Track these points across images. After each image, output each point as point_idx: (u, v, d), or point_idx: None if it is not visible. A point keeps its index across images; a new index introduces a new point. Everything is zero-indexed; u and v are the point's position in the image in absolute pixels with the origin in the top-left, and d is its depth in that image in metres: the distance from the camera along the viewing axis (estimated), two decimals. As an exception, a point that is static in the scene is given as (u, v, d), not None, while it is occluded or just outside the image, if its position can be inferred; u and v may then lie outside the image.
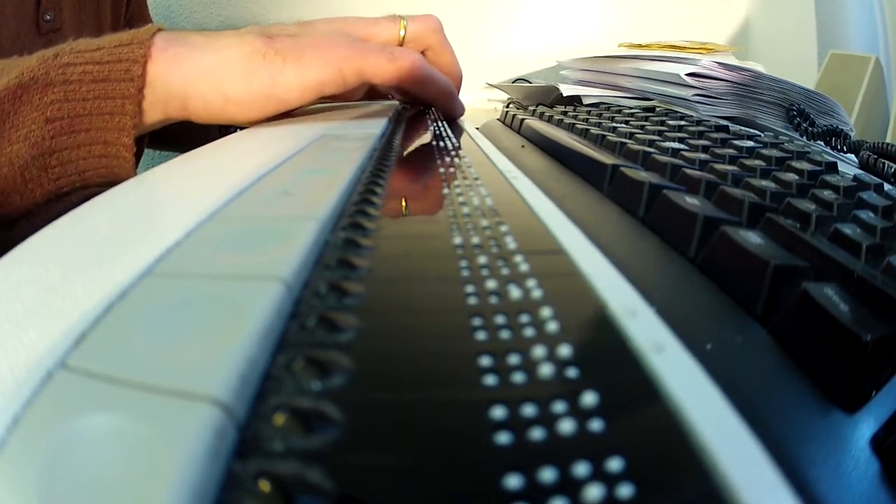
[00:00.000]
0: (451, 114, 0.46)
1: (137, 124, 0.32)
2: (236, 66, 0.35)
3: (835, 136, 0.48)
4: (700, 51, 0.66)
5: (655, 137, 0.36)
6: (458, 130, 0.38)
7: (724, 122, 0.47)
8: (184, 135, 0.47)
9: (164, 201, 0.20)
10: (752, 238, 0.17)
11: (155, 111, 0.33)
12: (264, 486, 0.08)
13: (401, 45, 0.45)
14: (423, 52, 0.46)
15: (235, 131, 0.37)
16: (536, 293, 0.13)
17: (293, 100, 0.37)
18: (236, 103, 0.35)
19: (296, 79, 0.36)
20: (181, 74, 0.33)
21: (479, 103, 0.81)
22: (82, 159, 0.30)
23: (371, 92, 0.55)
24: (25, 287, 0.13)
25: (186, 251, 0.14)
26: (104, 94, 0.30)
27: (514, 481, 0.08)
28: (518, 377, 0.10)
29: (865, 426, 0.12)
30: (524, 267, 0.14)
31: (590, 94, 0.63)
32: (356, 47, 0.38)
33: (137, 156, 0.33)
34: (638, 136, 0.37)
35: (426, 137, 0.34)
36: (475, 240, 0.16)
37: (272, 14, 1.01)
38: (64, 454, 0.08)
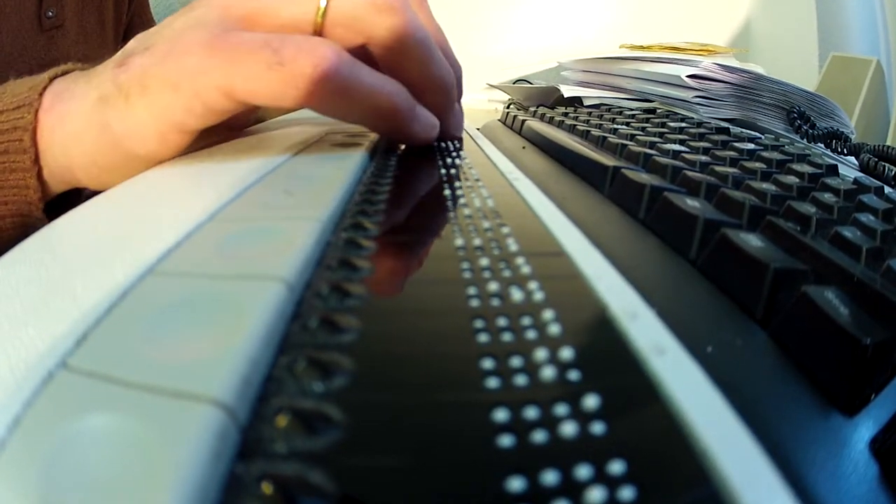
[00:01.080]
0: (410, 140, 0.28)
1: (43, 196, 0.27)
2: (90, 124, 0.25)
3: (835, 139, 0.48)
4: (701, 52, 0.66)
5: (656, 139, 0.36)
6: None
7: (725, 124, 0.47)
8: None
9: (165, 201, 0.20)
10: (752, 241, 0.17)
11: (55, 182, 0.27)
12: (266, 487, 0.08)
13: (318, 32, 0.26)
14: (364, 45, 0.27)
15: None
16: (538, 295, 0.13)
17: (155, 151, 0.25)
18: (108, 170, 0.26)
19: (145, 122, 0.24)
20: (60, 141, 0.26)
21: (480, 104, 0.81)
22: (10, 228, 0.28)
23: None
24: (25, 286, 0.13)
25: (187, 251, 0.14)
26: (9, 167, 0.26)
27: (516, 484, 0.08)
28: (520, 380, 0.10)
29: (864, 429, 0.12)
30: (526, 269, 0.14)
31: (591, 95, 0.63)
32: (221, 50, 0.23)
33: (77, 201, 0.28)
34: (639, 137, 0.37)
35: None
36: (477, 241, 0.16)
37: None
38: (65, 455, 0.08)
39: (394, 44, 0.26)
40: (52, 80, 0.27)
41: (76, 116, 0.26)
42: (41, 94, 0.26)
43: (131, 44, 0.27)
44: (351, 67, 0.24)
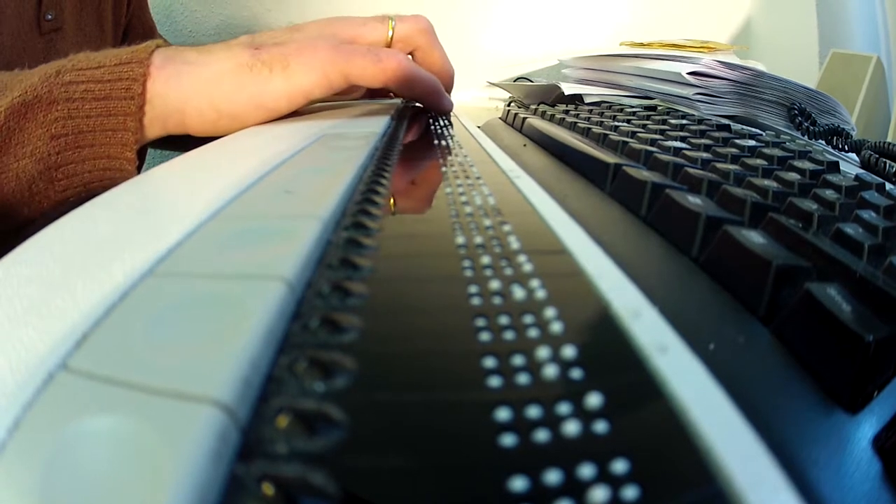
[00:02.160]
0: (439, 110, 0.47)
1: (139, 139, 0.33)
2: (226, 81, 0.36)
3: (836, 136, 0.48)
4: (702, 49, 0.66)
5: (657, 136, 0.36)
6: (459, 129, 0.38)
7: (726, 121, 0.47)
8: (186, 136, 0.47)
9: (165, 200, 0.20)
10: (754, 238, 0.17)
11: (154, 127, 0.34)
12: (267, 488, 0.08)
13: (389, 45, 0.46)
14: (411, 53, 0.48)
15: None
16: (540, 293, 0.13)
17: (282, 108, 0.38)
18: (229, 116, 0.36)
19: (283, 87, 0.37)
20: (178, 92, 0.34)
21: (481, 102, 0.81)
22: (87, 172, 0.32)
23: (373, 91, 0.55)
24: (26, 287, 0.13)
25: (187, 251, 0.14)
26: (106, 112, 0.32)
27: (519, 483, 0.08)
28: (522, 378, 0.10)
29: (867, 426, 0.12)
30: (527, 267, 0.14)
31: (591, 92, 0.63)
32: (341, 51, 0.39)
33: (140, 164, 0.35)
34: (640, 135, 0.37)
35: (428, 136, 0.34)
36: (478, 239, 0.16)
37: (272, 13, 1.01)
38: (65, 456, 0.08)
39: (428, 51, 0.48)
40: (157, 47, 0.35)
41: (207, 74, 0.35)
42: (151, 55, 0.34)
43: (252, 39, 0.41)
44: (413, 65, 0.42)
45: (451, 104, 0.48)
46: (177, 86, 0.34)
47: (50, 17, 0.53)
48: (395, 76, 0.40)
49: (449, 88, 0.50)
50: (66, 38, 0.55)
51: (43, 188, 0.31)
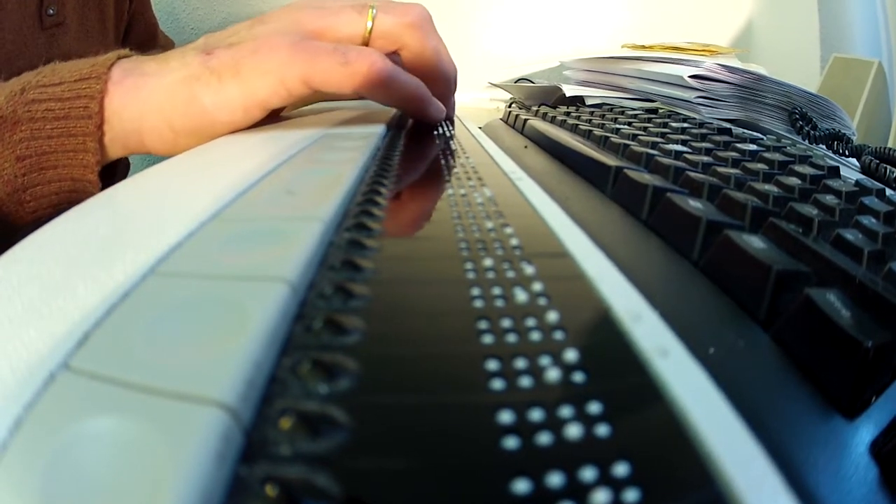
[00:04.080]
0: (426, 119, 0.39)
1: (100, 160, 0.31)
2: (178, 95, 0.32)
3: (837, 140, 0.48)
4: (703, 53, 0.66)
5: (658, 139, 0.36)
6: (461, 130, 0.38)
7: (727, 125, 0.47)
8: None
9: (166, 200, 0.20)
10: (755, 242, 0.17)
11: (115, 147, 0.32)
12: (271, 490, 0.08)
13: (366, 42, 0.37)
14: (397, 52, 0.39)
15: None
16: (542, 297, 0.13)
17: (238, 121, 0.33)
18: (185, 134, 0.33)
19: (236, 97, 0.33)
20: (134, 109, 0.32)
21: (482, 103, 0.81)
22: (53, 194, 0.31)
23: None
24: (26, 286, 0.13)
25: (189, 251, 0.14)
26: (67, 132, 0.30)
27: (521, 486, 0.08)
28: (525, 381, 0.10)
29: (865, 432, 0.12)
30: (529, 270, 0.14)
31: (592, 94, 0.63)
32: (301, 50, 0.33)
33: (120, 177, 0.34)
34: (641, 137, 0.37)
35: (429, 136, 0.34)
36: (480, 242, 0.16)
37: (274, 8, 1.01)
38: (67, 457, 0.08)
39: (417, 51, 0.39)
40: (119, 58, 0.33)
41: (159, 88, 0.32)
42: (109, 69, 0.31)
43: (205, 40, 0.35)
44: (391, 68, 0.34)
45: (442, 111, 0.40)
46: (133, 102, 0.31)
47: (52, 12, 0.53)
48: (366, 81, 0.34)
49: (449, 92, 0.42)
50: (68, 34, 0.55)
51: (14, 210, 0.30)
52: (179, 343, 0.10)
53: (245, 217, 0.17)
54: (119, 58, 0.33)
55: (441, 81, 0.40)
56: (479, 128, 0.44)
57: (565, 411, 0.09)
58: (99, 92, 0.31)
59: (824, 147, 0.49)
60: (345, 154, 0.25)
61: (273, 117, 0.38)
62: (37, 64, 0.33)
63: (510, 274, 0.14)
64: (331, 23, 0.36)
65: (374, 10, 0.37)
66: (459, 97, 0.46)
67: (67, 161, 0.30)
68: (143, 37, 0.70)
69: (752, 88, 0.55)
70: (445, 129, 0.37)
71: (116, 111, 0.31)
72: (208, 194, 0.19)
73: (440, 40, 0.40)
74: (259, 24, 0.36)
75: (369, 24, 0.37)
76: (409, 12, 0.38)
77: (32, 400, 0.09)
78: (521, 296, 0.13)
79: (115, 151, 0.32)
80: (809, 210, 0.23)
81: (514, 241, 0.16)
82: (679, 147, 0.34)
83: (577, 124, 0.42)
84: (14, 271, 0.14)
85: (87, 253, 0.15)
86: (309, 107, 0.48)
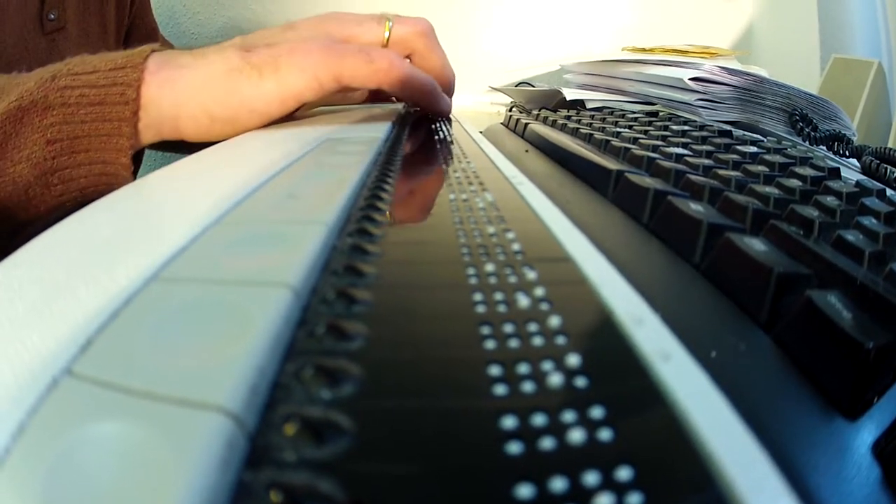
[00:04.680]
0: (436, 111, 0.46)
1: (134, 145, 0.33)
2: (218, 86, 0.35)
3: (837, 141, 0.48)
4: (703, 55, 0.66)
5: (659, 142, 0.36)
6: (462, 134, 0.38)
7: (728, 127, 0.47)
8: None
9: (168, 205, 0.20)
10: (756, 245, 0.17)
11: (149, 132, 0.34)
12: (275, 496, 0.08)
13: (385, 47, 0.44)
14: (408, 56, 0.46)
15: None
16: (544, 301, 0.13)
17: (274, 111, 0.37)
18: (222, 121, 0.36)
19: (274, 90, 0.36)
20: (172, 97, 0.34)
21: (483, 106, 0.81)
22: (83, 177, 0.32)
23: (374, 93, 0.55)
24: (28, 290, 0.13)
25: (192, 256, 0.14)
26: (101, 117, 0.31)
27: (524, 491, 0.08)
28: (527, 386, 0.10)
29: (867, 432, 0.13)
30: (531, 275, 0.14)
31: (593, 98, 0.63)
32: (333, 51, 0.38)
33: (136, 167, 0.34)
34: (642, 141, 0.37)
35: (430, 141, 0.34)
36: (482, 247, 0.16)
37: (275, 15, 1.01)
38: (70, 462, 0.08)
39: (427, 55, 0.47)
40: (153, 51, 0.34)
41: (198, 79, 0.35)
42: (146, 59, 0.33)
43: (245, 41, 0.41)
44: (408, 65, 0.40)
45: (449, 106, 0.47)
46: (171, 91, 0.34)
47: (52, 16, 0.53)
48: (388, 77, 0.39)
49: (449, 93, 0.49)
50: (69, 38, 0.55)
51: (39, 193, 0.31)
52: (182, 348, 0.10)
53: (248, 221, 0.17)
54: (153, 51, 0.34)
55: (445, 82, 0.47)
56: (480, 132, 0.44)
57: (568, 416, 0.09)
58: (136, 80, 0.32)
59: (825, 148, 0.49)
60: (347, 158, 0.25)
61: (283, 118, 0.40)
62: (37, 68, 0.33)
63: (512, 279, 0.14)
64: (354, 31, 0.43)
65: (391, 22, 0.44)
66: (460, 101, 0.52)
67: (101, 145, 0.31)
68: (144, 41, 0.69)
69: (752, 90, 0.55)
70: (446, 132, 0.39)
71: (153, 99, 0.33)
72: (211, 198, 0.19)
73: (442, 48, 0.48)
74: (290, 31, 0.42)
75: (387, 34, 0.44)
76: (418, 24, 0.46)
77: (35, 405, 0.09)
78: (522, 301, 0.13)
79: (148, 137, 0.34)
80: (810, 212, 0.23)
81: (515, 246, 0.16)
82: (680, 150, 0.34)
83: (577, 128, 0.42)
84: (17, 275, 0.14)
85: (91, 257, 0.15)
86: (312, 111, 0.48)
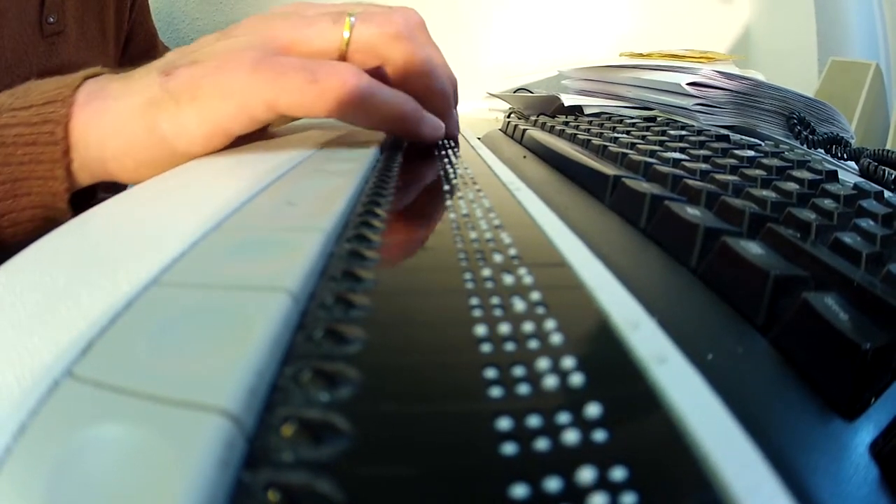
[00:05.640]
0: (420, 139, 0.33)
1: (69, 188, 0.29)
2: (136, 123, 0.28)
3: (835, 144, 0.48)
4: (701, 59, 0.67)
5: (657, 148, 0.36)
6: (460, 140, 0.38)
7: (725, 132, 0.47)
8: None
9: (169, 211, 0.20)
10: (752, 248, 0.17)
11: (84, 174, 0.29)
12: (273, 496, 0.08)
13: (343, 57, 0.31)
14: (380, 67, 0.33)
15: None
16: (540, 306, 0.13)
17: (198, 150, 0.29)
18: (145, 165, 0.29)
19: (193, 124, 0.28)
20: (97, 136, 0.28)
21: (481, 113, 0.81)
22: (28, 221, 0.29)
23: None
24: (30, 295, 0.13)
25: (192, 261, 0.14)
26: (35, 159, 0.28)
27: (519, 491, 0.08)
28: (523, 389, 0.10)
29: (865, 433, 0.13)
30: (528, 279, 0.14)
31: (591, 103, 0.63)
32: (264, 69, 0.28)
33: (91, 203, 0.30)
34: (639, 146, 0.37)
35: (429, 148, 0.34)
36: (479, 252, 0.16)
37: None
38: (71, 464, 0.08)
39: (403, 65, 0.32)
40: (85, 79, 0.29)
41: (118, 114, 0.28)
42: (75, 91, 0.28)
43: (172, 56, 0.31)
44: (368, 84, 0.29)
45: (438, 129, 0.34)
46: (96, 128, 0.28)
47: (52, 20, 0.53)
48: (338, 101, 0.29)
49: (445, 107, 0.35)
50: (68, 42, 0.55)
51: None
52: (183, 352, 0.10)
53: (247, 227, 0.17)
54: (86, 78, 0.30)
55: (436, 96, 0.34)
56: (478, 138, 0.44)
57: (563, 418, 0.09)
58: (64, 117, 0.28)
59: (823, 151, 0.49)
60: (345, 165, 0.25)
61: (262, 132, 0.34)
62: (37, 72, 0.32)
63: (509, 283, 0.14)
64: (303, 35, 0.31)
65: (353, 19, 0.31)
66: (459, 108, 0.40)
67: (38, 188, 0.28)
68: (143, 46, 0.70)
69: (749, 94, 0.55)
70: (445, 142, 0.36)
71: (81, 137, 0.28)
72: (210, 205, 0.19)
73: (434, 49, 0.35)
74: (225, 38, 0.31)
75: (346, 35, 0.31)
76: (392, 20, 0.32)
77: (36, 407, 0.09)
78: (519, 305, 0.13)
79: (83, 178, 0.29)
80: (808, 215, 0.23)
81: (512, 251, 0.16)
82: (677, 155, 0.34)
83: (575, 134, 0.43)
84: (18, 279, 0.14)
85: (91, 262, 0.15)
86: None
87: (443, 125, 0.34)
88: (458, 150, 0.33)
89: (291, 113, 0.29)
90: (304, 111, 0.29)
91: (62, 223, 0.18)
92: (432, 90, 0.34)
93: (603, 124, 0.50)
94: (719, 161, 0.33)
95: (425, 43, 0.34)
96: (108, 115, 0.28)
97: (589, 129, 0.46)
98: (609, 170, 0.28)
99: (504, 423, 0.09)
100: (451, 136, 0.37)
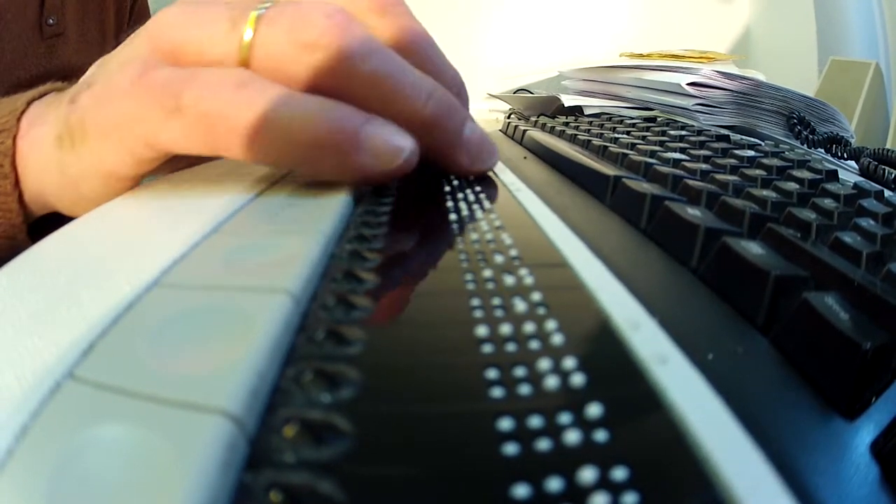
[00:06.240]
0: (366, 178, 0.21)
1: (26, 219, 0.26)
2: (52, 163, 0.24)
3: (835, 144, 0.48)
4: (701, 60, 0.67)
5: (657, 148, 0.36)
6: None
7: (725, 132, 0.47)
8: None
9: (169, 213, 0.20)
10: (753, 248, 0.17)
11: (36, 206, 0.26)
12: (275, 497, 0.08)
13: (245, 65, 0.21)
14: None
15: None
16: (541, 306, 0.13)
17: (99, 196, 0.23)
18: (80, 204, 0.24)
19: (90, 168, 0.23)
20: (32, 168, 0.25)
21: (481, 114, 0.81)
22: None
23: None
24: (31, 297, 0.13)
25: (193, 263, 0.14)
26: None
27: (521, 491, 0.08)
28: (524, 389, 0.10)
29: (865, 432, 0.13)
30: (529, 280, 0.14)
31: (591, 104, 0.63)
32: (141, 93, 0.21)
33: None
34: (639, 146, 0.37)
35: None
36: (479, 253, 0.16)
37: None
38: (72, 465, 0.08)
39: (328, 82, 0.21)
40: (29, 104, 0.26)
41: (40, 151, 0.25)
42: (19, 120, 0.25)
43: (90, 71, 0.26)
44: (263, 98, 0.20)
45: (404, 155, 0.21)
46: (32, 162, 0.25)
47: (52, 21, 0.53)
48: (221, 134, 0.20)
49: (445, 123, 0.23)
50: (68, 44, 0.55)
51: None
52: (184, 353, 0.10)
53: (247, 230, 0.17)
54: (29, 103, 0.26)
55: (407, 114, 0.22)
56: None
57: (564, 418, 0.09)
58: (9, 149, 0.25)
59: (823, 151, 0.49)
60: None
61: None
62: (37, 74, 0.31)
63: (510, 284, 0.14)
64: (193, 36, 0.22)
65: (258, 13, 0.21)
66: None
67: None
68: None
69: (749, 94, 0.55)
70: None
71: (22, 170, 0.25)
72: (211, 207, 0.19)
73: (413, 34, 0.25)
74: (125, 45, 0.24)
75: (247, 38, 0.21)
76: (308, 19, 0.21)
77: (38, 408, 0.09)
78: (520, 305, 0.13)
79: (38, 210, 0.27)
80: (808, 214, 0.23)
81: (513, 252, 0.16)
82: (677, 155, 0.34)
83: (575, 134, 0.43)
84: (18, 280, 0.14)
85: (92, 263, 0.15)
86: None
87: (403, 147, 0.21)
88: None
89: (177, 151, 0.21)
90: (184, 147, 0.21)
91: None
92: (396, 107, 0.22)
93: (603, 125, 0.50)
94: (719, 161, 0.33)
95: (391, 27, 0.24)
96: (35, 149, 0.25)
97: (589, 130, 0.46)
98: (609, 170, 0.28)
99: (505, 424, 0.09)
100: (467, 171, 0.25)
